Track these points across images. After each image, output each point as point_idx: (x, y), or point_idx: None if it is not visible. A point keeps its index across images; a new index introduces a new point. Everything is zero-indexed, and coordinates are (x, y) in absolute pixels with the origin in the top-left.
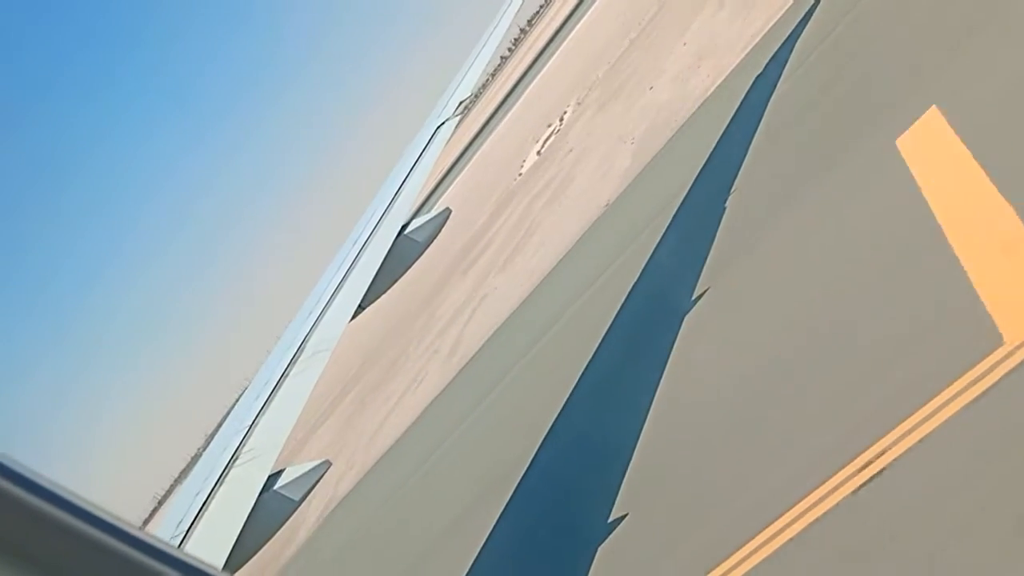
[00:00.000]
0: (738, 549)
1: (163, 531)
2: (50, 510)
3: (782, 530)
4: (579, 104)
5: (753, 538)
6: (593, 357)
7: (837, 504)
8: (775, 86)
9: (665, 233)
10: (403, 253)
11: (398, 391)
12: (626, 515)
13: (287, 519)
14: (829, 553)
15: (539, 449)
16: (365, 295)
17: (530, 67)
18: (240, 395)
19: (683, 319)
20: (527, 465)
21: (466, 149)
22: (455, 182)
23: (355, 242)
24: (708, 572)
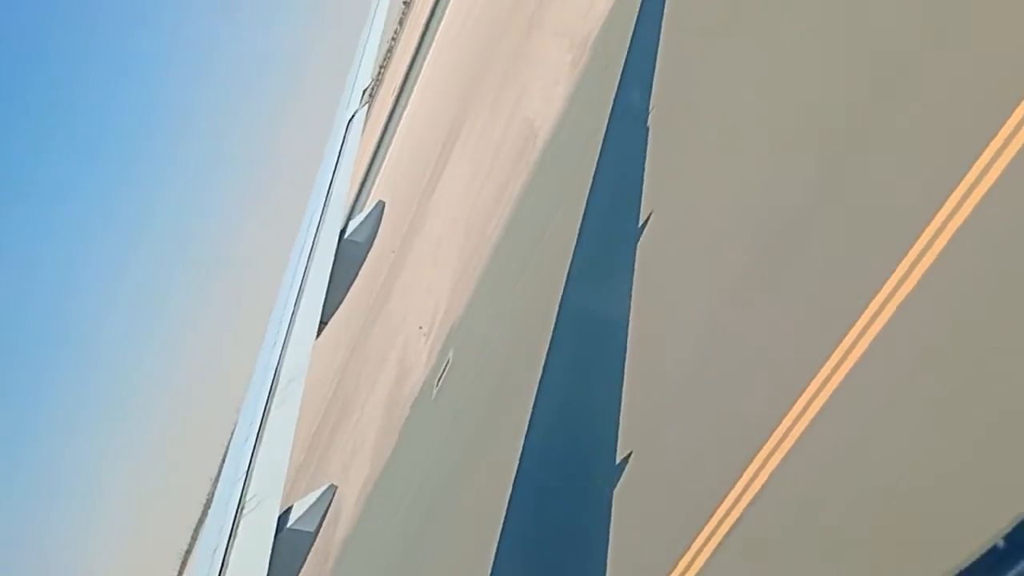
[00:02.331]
0: (749, 463)
1: None
2: None
3: (780, 441)
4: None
5: (758, 452)
6: (560, 308)
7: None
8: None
9: (597, 168)
10: (349, 257)
11: (382, 389)
12: (631, 453)
13: (308, 551)
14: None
15: (532, 413)
16: (324, 310)
17: (423, 38)
18: (231, 433)
19: (636, 248)
20: (524, 433)
21: (383, 133)
22: (381, 170)
23: (299, 257)
24: (724, 495)
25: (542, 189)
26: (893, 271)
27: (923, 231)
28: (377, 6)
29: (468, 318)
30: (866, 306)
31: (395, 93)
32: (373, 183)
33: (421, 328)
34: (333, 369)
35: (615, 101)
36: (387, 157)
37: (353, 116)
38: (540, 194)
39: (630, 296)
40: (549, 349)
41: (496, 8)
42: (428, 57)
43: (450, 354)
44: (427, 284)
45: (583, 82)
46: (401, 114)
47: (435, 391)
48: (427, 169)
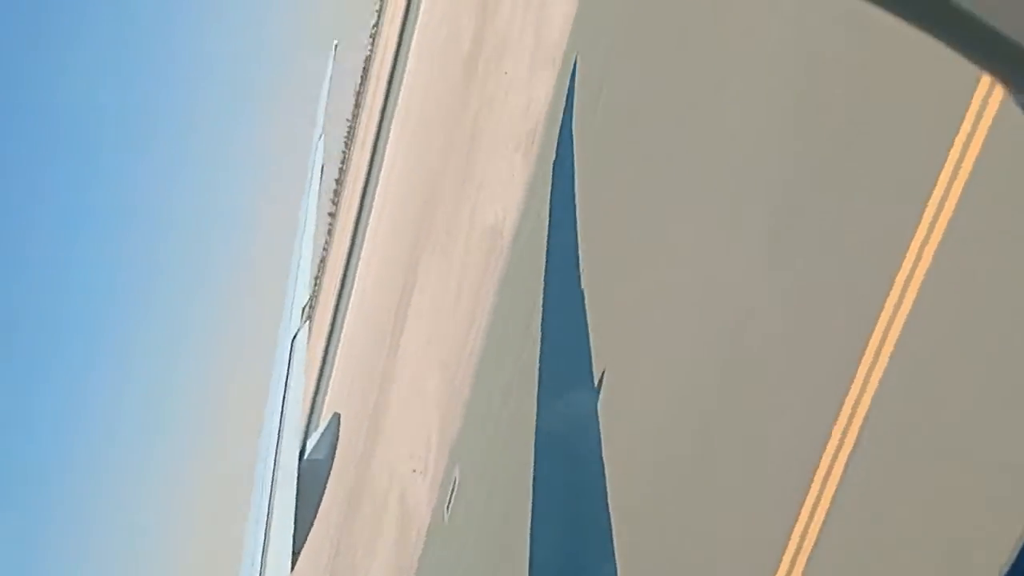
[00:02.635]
0: None
1: None
2: None
3: None
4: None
5: None
6: (534, 485)
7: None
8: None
9: (543, 336)
10: (312, 477)
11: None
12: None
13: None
14: None
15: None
16: (295, 540)
17: (350, 257)
18: None
19: (596, 409)
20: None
21: (327, 345)
22: (332, 381)
23: (262, 489)
24: None
25: (498, 347)
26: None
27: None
28: (303, 232)
29: (466, 434)
30: (820, 456)
31: (336, 291)
32: (328, 380)
33: (415, 471)
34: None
35: (546, 273)
36: (340, 343)
37: (296, 334)
38: (496, 354)
39: (601, 458)
40: (535, 480)
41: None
42: (365, 248)
43: (455, 473)
44: (413, 423)
45: (516, 248)
46: (346, 308)
47: (447, 515)
48: (386, 333)
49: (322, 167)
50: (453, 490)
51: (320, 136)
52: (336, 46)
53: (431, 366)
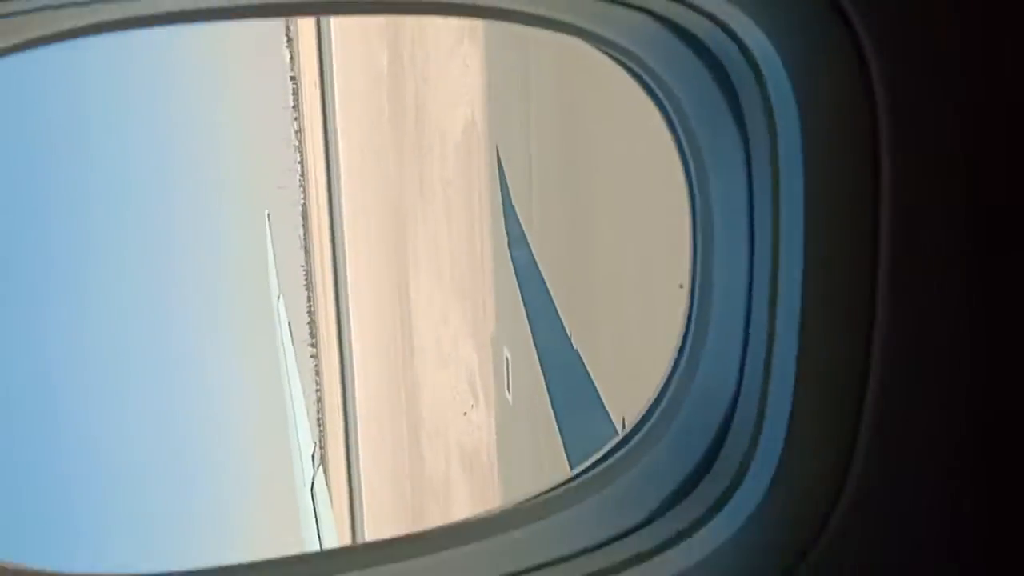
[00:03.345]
0: None
1: None
2: None
3: None
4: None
5: None
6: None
7: None
8: None
9: None
10: None
11: None
12: None
13: None
14: None
15: None
16: None
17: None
18: None
19: None
20: None
21: (350, 484)
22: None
23: None
24: None
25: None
26: None
27: None
28: (290, 389)
29: (502, 319)
30: None
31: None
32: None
33: (466, 413)
34: None
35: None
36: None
37: (314, 481)
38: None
39: None
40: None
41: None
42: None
43: (505, 352)
44: (449, 377)
45: None
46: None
47: (509, 396)
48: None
49: (289, 324)
50: (508, 369)
51: (279, 297)
52: (268, 215)
53: (449, 304)
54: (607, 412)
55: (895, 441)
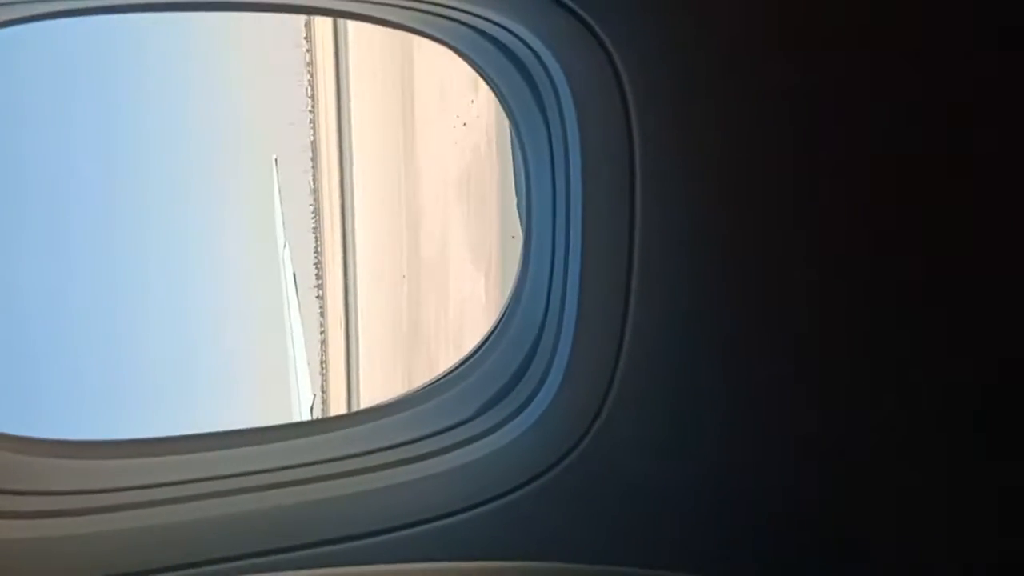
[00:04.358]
0: None
1: None
2: None
3: None
4: None
5: None
6: None
7: None
8: None
9: None
10: None
11: None
12: None
13: None
14: None
15: None
16: None
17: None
18: None
19: None
20: None
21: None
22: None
23: None
24: None
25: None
26: None
27: None
28: (292, 339)
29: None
30: None
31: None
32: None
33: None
34: None
35: None
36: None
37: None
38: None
39: None
40: None
41: None
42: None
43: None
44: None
45: None
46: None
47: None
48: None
49: (294, 274)
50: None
51: (285, 246)
52: (276, 160)
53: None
54: None
55: (646, 360)
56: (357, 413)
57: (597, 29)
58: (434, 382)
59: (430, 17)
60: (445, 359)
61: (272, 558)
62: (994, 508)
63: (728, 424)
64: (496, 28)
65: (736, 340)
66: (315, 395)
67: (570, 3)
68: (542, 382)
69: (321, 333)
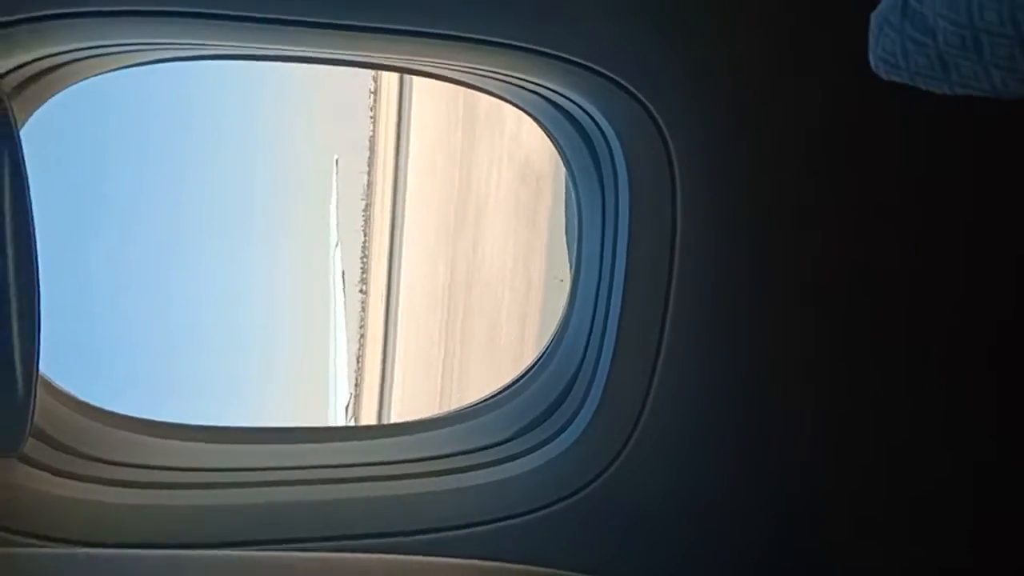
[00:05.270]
0: None
1: None
2: None
3: None
4: None
5: None
6: None
7: None
8: None
9: None
10: None
11: None
12: None
13: None
14: None
15: None
16: None
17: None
18: None
19: None
20: None
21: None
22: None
23: None
24: None
25: None
26: None
27: None
28: (335, 342)
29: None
30: None
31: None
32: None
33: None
34: None
35: None
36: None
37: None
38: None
39: None
40: None
41: None
42: None
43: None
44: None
45: None
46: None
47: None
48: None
49: (343, 273)
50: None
51: (336, 244)
52: (337, 161)
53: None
54: None
55: (675, 398)
56: (408, 423)
57: (654, 111)
58: (476, 404)
59: (497, 83)
60: (476, 372)
61: (336, 543)
62: (994, 510)
63: (747, 452)
64: (562, 98)
65: (759, 382)
66: (351, 394)
67: (632, 88)
68: (575, 414)
69: (361, 328)
